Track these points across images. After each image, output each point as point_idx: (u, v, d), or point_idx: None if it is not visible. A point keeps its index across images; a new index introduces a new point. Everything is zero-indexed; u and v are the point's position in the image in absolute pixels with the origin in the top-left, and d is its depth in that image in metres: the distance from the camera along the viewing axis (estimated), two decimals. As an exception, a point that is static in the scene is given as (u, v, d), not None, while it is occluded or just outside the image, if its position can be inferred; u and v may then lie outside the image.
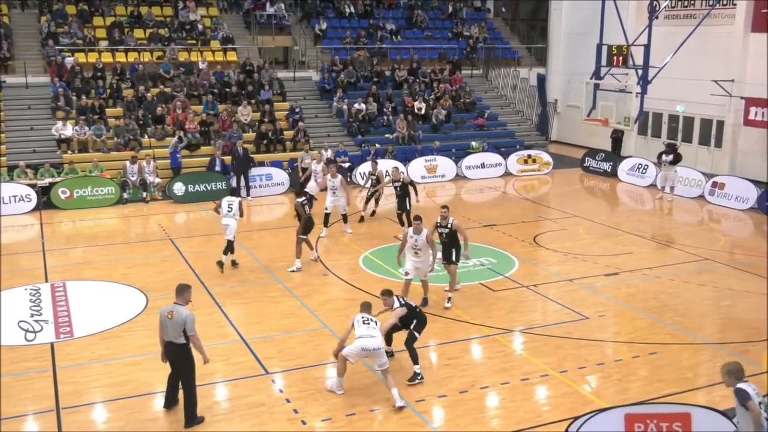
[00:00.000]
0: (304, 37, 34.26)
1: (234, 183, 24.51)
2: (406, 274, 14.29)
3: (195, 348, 10.29)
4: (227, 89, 29.15)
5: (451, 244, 14.64)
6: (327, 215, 19.87)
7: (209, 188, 24.38)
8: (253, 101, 29.03)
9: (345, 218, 20.18)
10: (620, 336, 13.65)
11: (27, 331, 13.49)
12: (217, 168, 25.10)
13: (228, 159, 25.50)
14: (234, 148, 24.98)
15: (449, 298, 14.75)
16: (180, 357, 10.22)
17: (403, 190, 19.72)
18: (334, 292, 15.75)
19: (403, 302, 11.78)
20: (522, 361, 12.49)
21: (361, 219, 21.75)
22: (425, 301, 14.54)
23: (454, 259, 14.71)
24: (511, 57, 37.50)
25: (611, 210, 24.79)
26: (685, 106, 30.20)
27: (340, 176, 19.77)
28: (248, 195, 24.56)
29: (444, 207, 14.90)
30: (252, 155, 25.78)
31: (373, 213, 22.07)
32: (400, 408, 10.70)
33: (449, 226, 14.58)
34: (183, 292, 10.39)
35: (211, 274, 16.68)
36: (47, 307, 14.66)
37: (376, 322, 11.26)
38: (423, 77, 33.22)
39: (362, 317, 11.23)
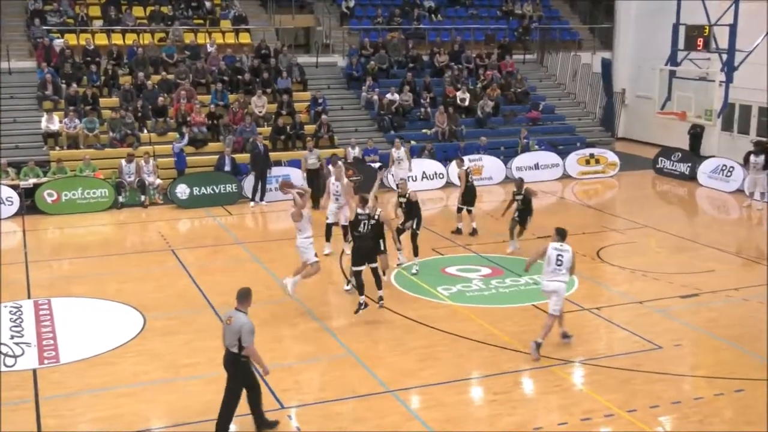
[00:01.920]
0: (329, 17, 34.41)
1: (248, 185, 24.64)
2: None
3: (252, 360, 10.72)
4: (239, 76, 29.34)
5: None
6: (329, 226, 19.15)
7: (217, 191, 24.52)
8: (269, 90, 29.17)
9: (346, 233, 18.51)
10: (700, 369, 13.40)
11: (6, 355, 13.61)
12: (227, 168, 25.24)
13: (240, 157, 25.65)
14: (253, 144, 25.07)
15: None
16: (233, 366, 10.73)
17: (408, 208, 18.42)
18: (361, 313, 15.67)
19: None
20: (583, 397, 12.31)
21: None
22: None
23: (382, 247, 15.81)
24: (570, 39, 37.31)
25: (689, 219, 24.46)
26: (778, 98, 29.77)
27: (346, 180, 19.44)
28: (263, 199, 24.66)
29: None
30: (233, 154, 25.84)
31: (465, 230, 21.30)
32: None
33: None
34: (246, 297, 10.88)
35: (218, 291, 16.70)
36: (29, 328, 14.79)
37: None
38: (467, 63, 33.14)
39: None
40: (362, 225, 15.35)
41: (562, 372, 13.07)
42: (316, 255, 15.78)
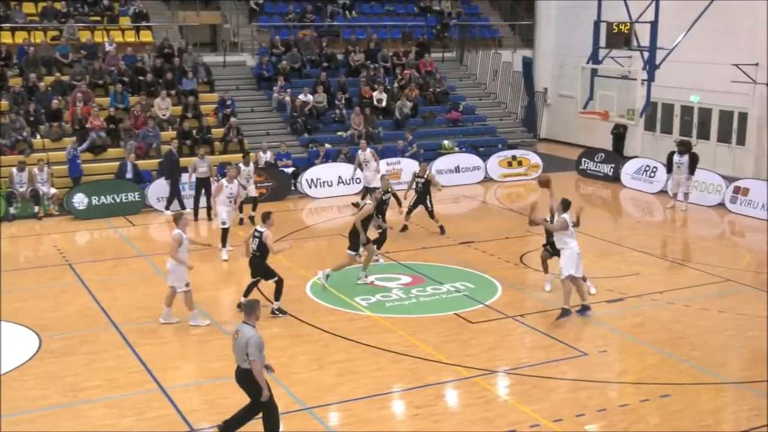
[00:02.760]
0: (237, 13, 34.23)
1: (152, 193, 24.38)
2: None
3: (255, 375, 10.56)
4: (141, 77, 28.95)
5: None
6: (226, 231, 20.09)
7: (119, 200, 24.15)
8: (173, 92, 28.85)
9: (224, 239, 20.12)
10: (626, 375, 13.76)
11: None
12: (129, 175, 24.88)
13: (143, 163, 25.36)
14: (169, 151, 24.66)
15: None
16: (247, 384, 10.73)
17: (425, 188, 21.97)
18: (276, 327, 15.65)
19: None
20: (507, 408, 12.50)
21: (404, 228, 22.22)
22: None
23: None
24: (490, 37, 37.87)
25: (613, 222, 25.07)
26: (700, 96, 30.71)
27: (237, 183, 20.44)
28: (183, 207, 24.28)
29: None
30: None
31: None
32: None
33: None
34: (253, 309, 10.86)
35: (120, 308, 16.47)
36: None
37: None
38: (383, 62, 33.35)
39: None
40: (254, 241, 15.90)
41: (485, 383, 13.26)
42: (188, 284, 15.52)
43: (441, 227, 22.04)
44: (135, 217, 23.98)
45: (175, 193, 24.43)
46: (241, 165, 22.51)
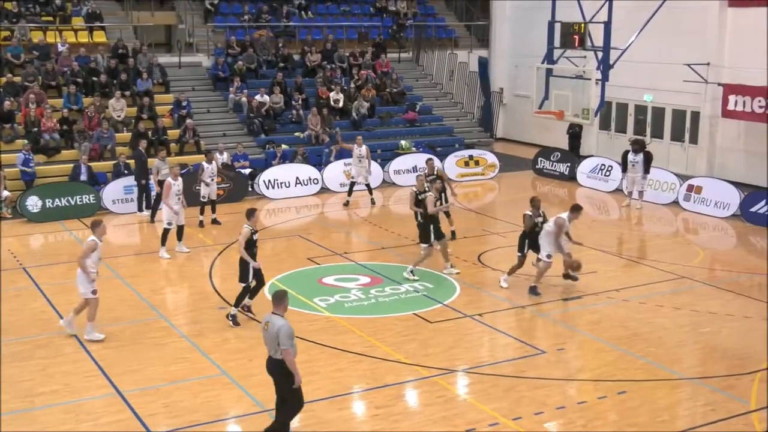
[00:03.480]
0: (192, 14, 34.00)
1: (106, 194, 24.19)
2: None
3: (287, 365, 10.63)
4: (94, 78, 28.66)
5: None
6: (167, 231, 20.20)
7: (73, 203, 23.87)
8: (127, 93, 28.61)
9: (164, 239, 20.28)
10: (583, 373, 13.88)
11: None
12: (83, 177, 24.64)
13: (98, 165, 25.15)
14: (138, 152, 24.36)
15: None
16: (279, 374, 10.79)
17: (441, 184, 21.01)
18: (233, 329, 15.57)
19: None
20: (467, 407, 12.57)
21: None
22: None
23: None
24: (447, 37, 38.02)
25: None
26: (653, 95, 31.11)
27: (181, 180, 20.30)
28: (149, 209, 24.15)
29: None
30: (128, 160, 25.36)
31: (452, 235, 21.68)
32: None
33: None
34: (281, 299, 10.93)
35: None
36: None
37: None
38: (340, 62, 33.35)
39: None
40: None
41: (444, 382, 13.31)
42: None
43: (452, 232, 21.51)
44: (90, 220, 23.56)
45: (145, 194, 24.23)
46: (204, 164, 22.50)
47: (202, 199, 22.77)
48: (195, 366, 13.95)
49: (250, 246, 15.34)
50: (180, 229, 20.32)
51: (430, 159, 22.63)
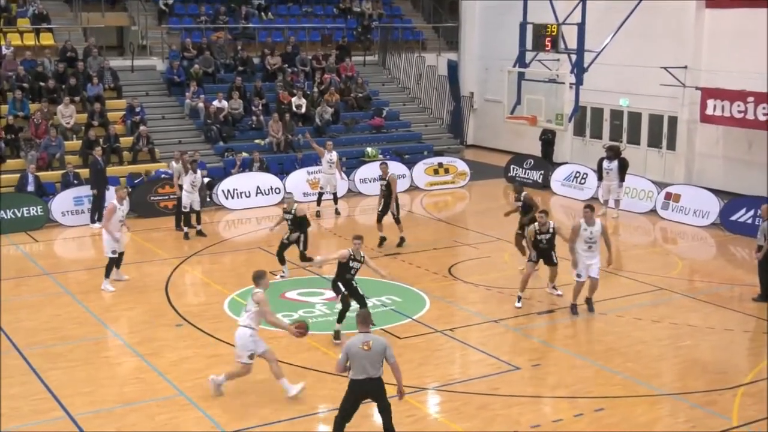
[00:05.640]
0: (145, 15, 33.83)
1: (55, 204, 24.01)
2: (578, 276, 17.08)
3: (395, 377, 11.14)
4: (41, 83, 28.42)
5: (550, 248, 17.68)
6: (112, 261, 18.87)
7: (19, 215, 23.66)
8: (77, 99, 28.39)
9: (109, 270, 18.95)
10: (559, 389, 13.96)
11: None
12: (30, 188, 24.43)
13: (45, 175, 24.93)
14: (93, 159, 24.26)
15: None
16: (383, 391, 11.13)
17: (389, 191, 21.82)
18: (192, 347, 15.50)
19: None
20: (438, 426, 12.60)
21: (381, 241, 22.07)
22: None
23: (554, 260, 17.88)
24: (414, 39, 38.14)
25: (544, 231, 25.40)
26: (629, 100, 31.39)
27: (127, 203, 19.52)
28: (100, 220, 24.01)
29: (543, 211, 17.69)
30: (77, 169, 25.18)
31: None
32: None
33: (550, 230, 17.41)
34: (368, 318, 11.37)
35: (23, 331, 16.15)
36: None
37: None
38: (302, 65, 33.34)
39: None
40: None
41: (415, 400, 13.32)
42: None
43: (401, 238, 22.07)
44: (38, 233, 23.50)
45: (100, 204, 23.85)
46: (189, 172, 22.77)
47: (183, 209, 22.84)
48: (151, 387, 13.86)
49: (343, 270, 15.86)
50: (120, 256, 18.98)
51: (383, 163, 22.91)
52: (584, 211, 17.17)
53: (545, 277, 18.46)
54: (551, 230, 17.47)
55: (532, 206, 20.00)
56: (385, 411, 11.27)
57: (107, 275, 18.82)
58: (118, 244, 18.62)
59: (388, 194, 21.80)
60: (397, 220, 22.03)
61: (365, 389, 11.09)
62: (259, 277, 13.17)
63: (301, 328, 13.56)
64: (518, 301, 17.65)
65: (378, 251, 21.44)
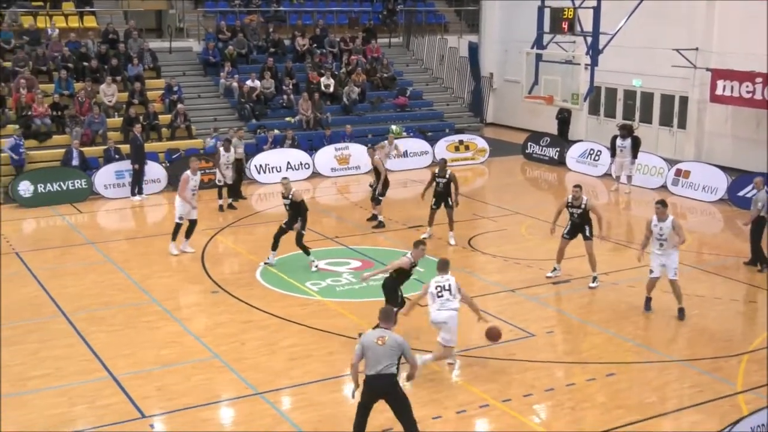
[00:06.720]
0: (182, -2, 33.84)
1: (96, 180, 24.18)
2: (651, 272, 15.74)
3: (415, 374, 10.95)
4: (85, 63, 28.50)
5: (583, 222, 17.03)
6: (179, 225, 19.13)
7: (65, 188, 23.82)
8: (118, 78, 28.46)
9: (175, 233, 19.22)
10: (572, 355, 13.96)
11: None
12: (75, 162, 24.54)
13: (89, 150, 25.08)
14: (133, 135, 24.41)
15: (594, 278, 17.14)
16: (396, 389, 10.52)
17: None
18: (226, 313, 15.60)
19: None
20: (457, 389, 12.63)
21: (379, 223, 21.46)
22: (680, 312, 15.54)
23: (588, 234, 17.06)
24: (436, 22, 37.91)
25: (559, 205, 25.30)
26: (642, 80, 31.14)
27: (200, 174, 19.53)
28: (142, 193, 24.45)
29: (577, 185, 17.13)
30: (118, 145, 25.31)
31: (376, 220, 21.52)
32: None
33: (582, 206, 16.92)
34: (389, 316, 10.82)
35: (68, 296, 16.29)
36: None
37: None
38: (331, 47, 33.23)
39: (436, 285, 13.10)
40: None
41: (435, 365, 13.33)
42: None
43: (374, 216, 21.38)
44: (82, 205, 23.67)
45: (140, 178, 24.32)
46: (221, 150, 22.83)
47: (218, 183, 23.23)
48: (187, 349, 13.97)
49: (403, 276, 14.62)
50: (192, 225, 19.14)
51: (370, 148, 22.55)
52: (656, 207, 15.63)
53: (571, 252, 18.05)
54: (583, 205, 16.96)
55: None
56: (402, 412, 10.55)
57: (173, 238, 19.16)
58: (194, 210, 19.02)
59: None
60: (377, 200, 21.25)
61: (377, 386, 10.37)
62: (447, 265, 13.30)
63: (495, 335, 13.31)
64: (551, 271, 17.57)
65: (397, 223, 21.42)
